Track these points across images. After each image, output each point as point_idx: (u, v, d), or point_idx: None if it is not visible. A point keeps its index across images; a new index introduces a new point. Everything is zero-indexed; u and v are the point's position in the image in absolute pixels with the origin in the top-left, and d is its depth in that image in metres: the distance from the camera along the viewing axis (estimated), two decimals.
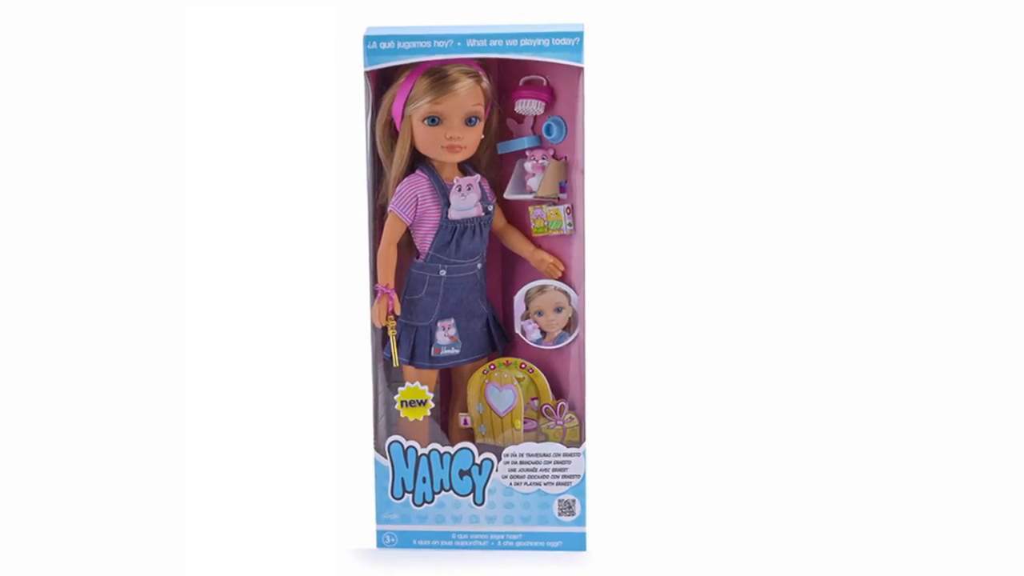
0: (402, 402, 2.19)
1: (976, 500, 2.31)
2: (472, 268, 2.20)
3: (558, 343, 2.22)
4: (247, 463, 2.44)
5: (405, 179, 2.16)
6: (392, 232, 2.17)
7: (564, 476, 2.19)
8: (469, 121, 2.15)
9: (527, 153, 2.20)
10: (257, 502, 2.33)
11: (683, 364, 2.70)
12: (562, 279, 2.21)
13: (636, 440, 2.49)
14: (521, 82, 2.19)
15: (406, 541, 2.21)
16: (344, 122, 2.26)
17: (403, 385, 2.19)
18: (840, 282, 2.82)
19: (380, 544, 2.21)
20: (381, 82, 2.15)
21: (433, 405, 2.20)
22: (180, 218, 2.82)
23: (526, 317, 2.22)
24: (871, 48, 2.84)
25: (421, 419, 2.20)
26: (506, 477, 2.19)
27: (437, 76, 2.13)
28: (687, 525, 2.25)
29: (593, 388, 2.20)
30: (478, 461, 2.19)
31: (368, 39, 2.10)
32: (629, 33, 2.74)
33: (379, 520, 2.21)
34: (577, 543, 2.20)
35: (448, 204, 2.16)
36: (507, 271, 2.26)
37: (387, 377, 2.21)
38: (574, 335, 2.21)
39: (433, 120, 2.14)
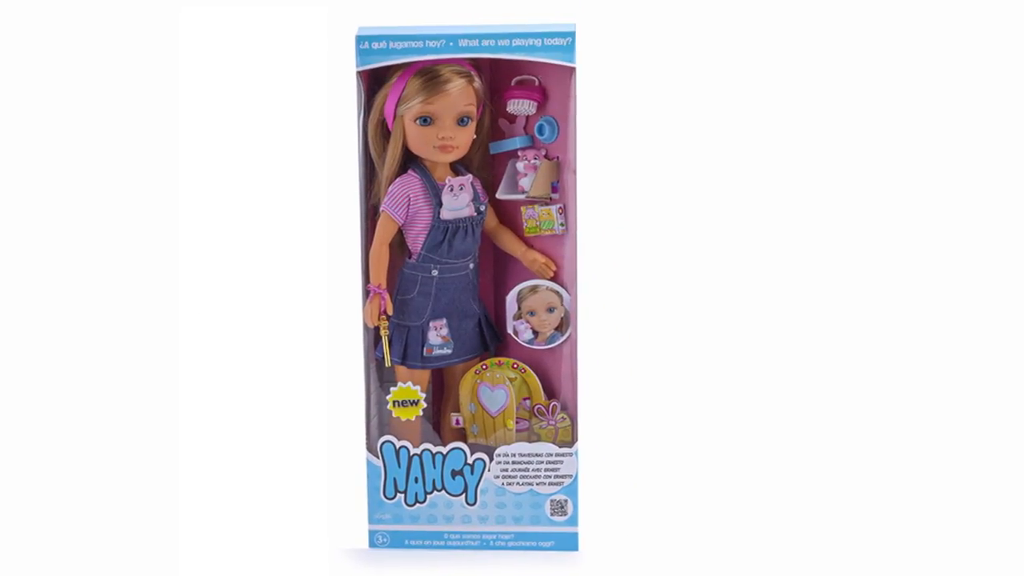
0: (394, 402, 2.19)
1: (973, 500, 2.31)
2: (464, 268, 2.20)
3: (550, 343, 2.22)
4: (239, 463, 2.44)
5: (397, 179, 2.16)
6: (384, 232, 2.17)
7: (556, 476, 2.19)
8: (461, 121, 2.15)
9: (519, 153, 2.20)
10: (249, 502, 2.33)
11: (675, 364, 2.70)
12: (554, 279, 2.21)
13: (628, 440, 2.49)
14: (513, 82, 2.19)
15: (398, 541, 2.21)
16: (336, 122, 2.26)
17: (395, 385, 2.19)
18: (832, 281, 2.82)
19: (372, 544, 2.21)
20: (373, 82, 2.15)
21: (425, 405, 2.20)
22: (172, 217, 2.82)
23: (518, 317, 2.22)
24: (864, 48, 2.84)
25: (413, 419, 2.19)
26: (498, 477, 2.19)
27: (429, 76, 2.12)
28: (679, 525, 2.25)
29: (585, 388, 2.20)
30: (470, 461, 2.19)
31: (360, 39, 2.10)
32: (621, 33, 2.74)
33: (371, 520, 2.21)
34: (569, 543, 2.20)
35: (440, 204, 2.16)
36: (499, 271, 2.26)
37: (379, 377, 2.21)
38: (566, 335, 2.21)
39: (425, 120, 2.14)
